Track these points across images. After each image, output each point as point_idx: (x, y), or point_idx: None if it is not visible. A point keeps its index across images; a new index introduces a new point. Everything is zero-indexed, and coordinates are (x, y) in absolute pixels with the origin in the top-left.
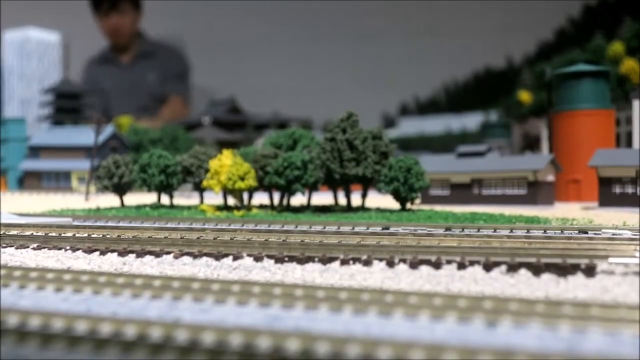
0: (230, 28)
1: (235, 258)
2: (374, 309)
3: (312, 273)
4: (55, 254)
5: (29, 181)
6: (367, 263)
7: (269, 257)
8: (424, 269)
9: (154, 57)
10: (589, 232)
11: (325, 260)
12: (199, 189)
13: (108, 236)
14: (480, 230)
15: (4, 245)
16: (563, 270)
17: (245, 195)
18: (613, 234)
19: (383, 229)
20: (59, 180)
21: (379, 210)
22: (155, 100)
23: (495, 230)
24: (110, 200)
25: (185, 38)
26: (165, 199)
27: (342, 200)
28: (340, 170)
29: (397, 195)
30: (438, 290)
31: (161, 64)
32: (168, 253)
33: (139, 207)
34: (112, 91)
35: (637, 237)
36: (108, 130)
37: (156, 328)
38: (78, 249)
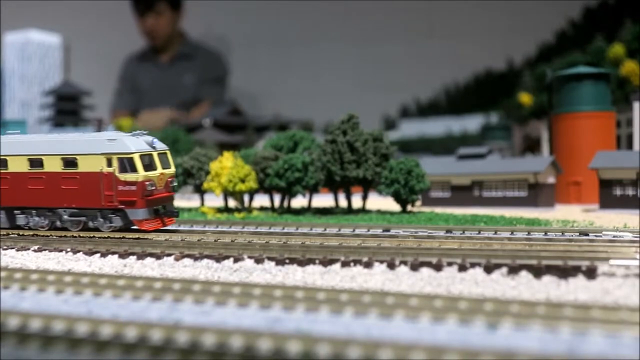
0: (230, 28)
1: (236, 260)
2: (374, 311)
3: (313, 275)
4: (56, 256)
5: None
6: (368, 265)
7: (270, 259)
8: (425, 271)
9: (192, 58)
10: (590, 234)
11: (326, 262)
12: (200, 191)
13: (110, 238)
14: (481, 232)
15: (5, 247)
16: (564, 272)
17: (246, 198)
18: (614, 236)
19: (384, 231)
20: None
21: (379, 212)
22: (189, 103)
23: (496, 233)
24: None
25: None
26: None
27: (343, 203)
28: (341, 172)
29: (397, 198)
30: (439, 292)
31: (199, 66)
32: (169, 255)
33: None
34: (148, 90)
35: (638, 239)
36: (108, 131)
37: (157, 330)
38: (79, 251)
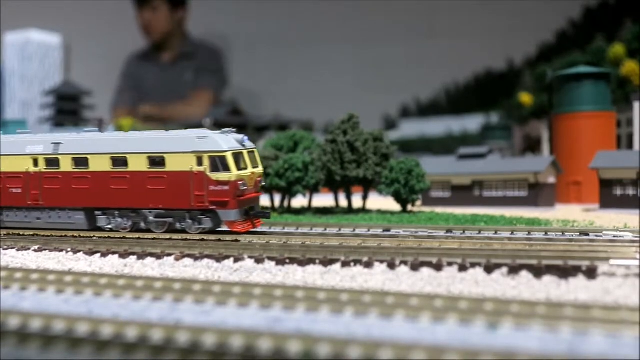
0: (229, 28)
1: (237, 260)
2: (375, 310)
3: (313, 275)
4: (56, 256)
5: None
6: (368, 265)
7: (270, 259)
8: (425, 271)
9: (193, 57)
10: (590, 234)
11: (327, 262)
12: None
13: (110, 237)
14: (481, 232)
15: (5, 247)
16: (564, 272)
17: None
18: (614, 236)
19: (384, 231)
20: None
21: (380, 212)
22: (188, 95)
23: (496, 232)
24: None
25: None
26: None
27: (343, 202)
28: (341, 172)
29: (398, 197)
30: (439, 292)
31: (199, 61)
32: (169, 255)
33: None
34: (151, 90)
35: (638, 239)
36: (109, 131)
37: (157, 330)
38: (79, 251)
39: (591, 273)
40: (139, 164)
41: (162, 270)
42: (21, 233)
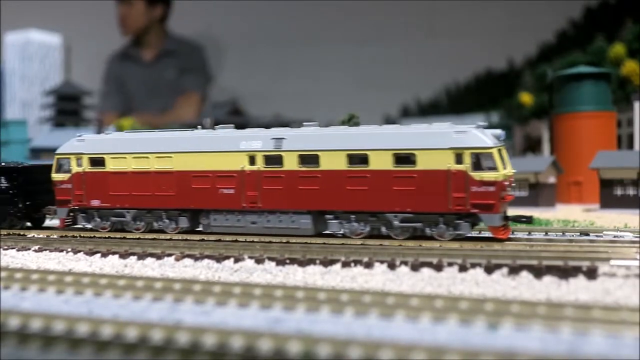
0: (229, 28)
1: (237, 260)
2: (375, 311)
3: (314, 275)
4: (56, 256)
5: None
6: (368, 265)
7: (271, 259)
8: (426, 271)
9: (175, 54)
10: (591, 234)
11: (327, 263)
12: None
13: (111, 237)
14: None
15: (6, 247)
16: (564, 272)
17: None
18: (614, 236)
19: None
20: None
21: None
22: (173, 96)
23: None
24: None
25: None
26: None
27: None
28: None
29: None
30: (440, 292)
31: (181, 60)
32: (169, 255)
33: None
34: (135, 90)
35: (639, 239)
36: (109, 131)
37: (157, 330)
38: (79, 251)
39: (591, 273)
40: (382, 162)
41: (163, 271)
42: (21, 233)
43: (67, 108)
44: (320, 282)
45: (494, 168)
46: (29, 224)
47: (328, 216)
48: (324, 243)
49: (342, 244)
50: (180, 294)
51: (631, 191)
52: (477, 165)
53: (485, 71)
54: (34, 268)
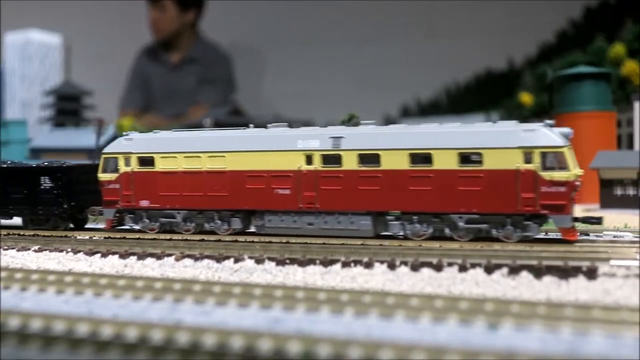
0: (230, 28)
1: (237, 260)
2: (375, 311)
3: (314, 275)
4: (56, 256)
5: None
6: (368, 265)
7: (271, 259)
8: (426, 271)
9: (198, 62)
10: (590, 234)
11: (327, 263)
12: None
13: (111, 237)
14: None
15: (6, 247)
16: (564, 272)
17: None
18: (614, 237)
19: None
20: None
21: None
22: (187, 104)
23: None
24: None
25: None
26: None
27: None
28: None
29: None
30: (439, 292)
31: (202, 69)
32: (169, 255)
33: None
34: (156, 90)
35: (639, 239)
36: (109, 131)
37: (157, 330)
38: (79, 252)
39: (591, 273)
40: (447, 162)
41: (163, 271)
42: (22, 233)
43: (67, 108)
44: (320, 282)
45: (564, 167)
46: (71, 225)
47: (389, 217)
48: (324, 243)
49: (342, 244)
50: (180, 294)
51: (631, 191)
52: (547, 165)
53: (485, 71)
54: (34, 268)
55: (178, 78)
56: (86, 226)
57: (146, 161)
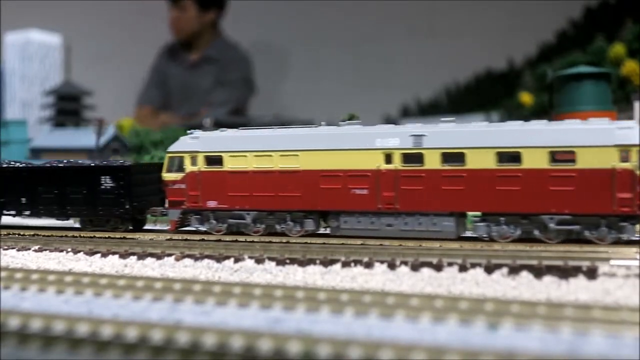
0: (229, 28)
1: (237, 260)
2: (375, 311)
3: (314, 275)
4: (56, 256)
5: None
6: (368, 265)
7: (271, 259)
8: (426, 271)
9: (215, 63)
10: None
11: (327, 263)
12: None
13: (111, 237)
14: None
15: (6, 247)
16: (564, 272)
17: None
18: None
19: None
20: None
21: None
22: (200, 105)
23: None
24: None
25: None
26: None
27: None
28: None
29: None
30: (439, 292)
31: (218, 70)
32: (169, 255)
33: None
34: (173, 89)
35: (638, 239)
36: (109, 132)
37: (157, 330)
38: (79, 251)
39: (591, 273)
40: (537, 161)
41: (163, 271)
42: (21, 233)
43: (67, 108)
44: (320, 282)
45: None
46: (130, 227)
47: (474, 218)
48: (324, 243)
49: (342, 243)
50: (180, 294)
51: None
52: None
53: (485, 71)
54: (34, 268)
55: (195, 77)
56: (145, 227)
57: (214, 160)
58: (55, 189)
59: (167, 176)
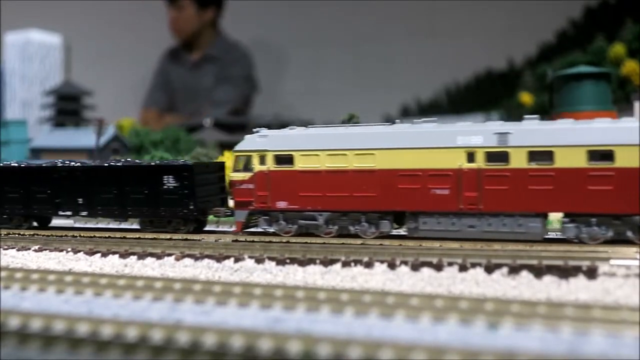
0: (228, 28)
1: (237, 260)
2: (375, 310)
3: (314, 275)
4: (56, 256)
5: None
6: (368, 265)
7: (271, 259)
8: (426, 271)
9: (215, 61)
10: None
11: (327, 262)
12: None
13: (111, 237)
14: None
15: (6, 247)
16: (565, 272)
17: None
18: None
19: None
20: None
21: None
22: (204, 103)
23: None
24: None
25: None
26: None
27: None
28: None
29: None
30: (440, 292)
31: (219, 68)
32: (169, 255)
33: None
34: (176, 90)
35: (638, 239)
36: (109, 132)
37: (158, 330)
38: (79, 251)
39: (591, 273)
40: (631, 159)
41: (163, 270)
42: (22, 233)
43: (67, 108)
44: (321, 282)
45: None
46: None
47: (564, 219)
48: (324, 243)
49: (342, 243)
50: (180, 294)
51: None
52: None
53: (485, 71)
54: (34, 268)
55: (197, 77)
56: (206, 228)
57: (284, 159)
58: (115, 189)
59: (233, 176)
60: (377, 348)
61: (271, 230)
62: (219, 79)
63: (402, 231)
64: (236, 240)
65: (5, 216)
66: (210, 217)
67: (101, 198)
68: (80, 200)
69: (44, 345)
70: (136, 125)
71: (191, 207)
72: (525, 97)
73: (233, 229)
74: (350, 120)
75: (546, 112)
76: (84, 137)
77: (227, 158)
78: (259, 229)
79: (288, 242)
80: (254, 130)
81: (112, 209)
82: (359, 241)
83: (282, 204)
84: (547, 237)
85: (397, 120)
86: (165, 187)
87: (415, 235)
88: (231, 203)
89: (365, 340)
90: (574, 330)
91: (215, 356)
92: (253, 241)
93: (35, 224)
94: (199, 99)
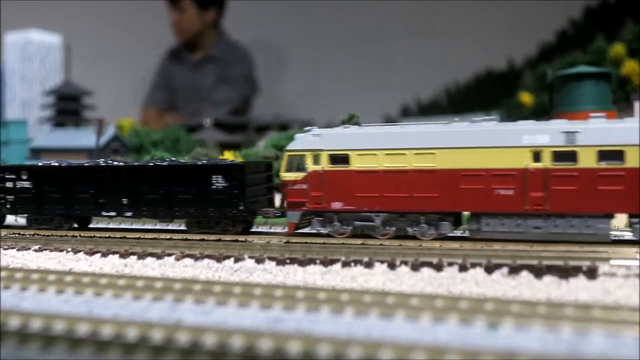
0: (229, 28)
1: (237, 260)
2: (375, 310)
3: (314, 275)
4: (56, 256)
5: None
6: (368, 265)
7: (271, 259)
8: (426, 271)
9: (216, 62)
10: None
11: (327, 263)
12: None
13: (111, 237)
14: None
15: (6, 247)
16: (565, 272)
17: None
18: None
19: None
20: None
21: None
22: (204, 103)
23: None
24: None
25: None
26: None
27: None
28: None
29: None
30: (440, 292)
31: (220, 68)
32: (170, 255)
33: None
34: (178, 90)
35: (639, 239)
36: (109, 131)
37: (158, 330)
38: (79, 251)
39: (592, 273)
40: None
41: (163, 270)
42: (22, 233)
43: (67, 108)
44: (321, 282)
45: None
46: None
47: (634, 220)
48: (324, 243)
49: (342, 243)
50: (180, 294)
51: None
52: None
53: (485, 71)
54: (34, 268)
55: (198, 77)
56: (255, 229)
57: (340, 159)
58: (161, 189)
59: (286, 176)
60: (377, 348)
61: (324, 231)
62: (220, 79)
63: (458, 232)
64: (288, 242)
65: (45, 216)
66: (258, 218)
67: (146, 198)
68: (124, 201)
69: (44, 345)
70: (136, 125)
71: (241, 207)
72: (525, 97)
73: (285, 230)
74: (351, 120)
75: (546, 112)
76: (84, 137)
77: (227, 158)
78: (312, 230)
79: (288, 242)
80: (306, 129)
81: (158, 209)
82: (359, 241)
83: (337, 205)
84: (614, 238)
85: (455, 119)
86: (214, 187)
87: (477, 236)
88: (277, 203)
89: (365, 341)
90: (574, 331)
91: (216, 356)
92: (252, 241)
93: (75, 225)
94: (199, 99)
